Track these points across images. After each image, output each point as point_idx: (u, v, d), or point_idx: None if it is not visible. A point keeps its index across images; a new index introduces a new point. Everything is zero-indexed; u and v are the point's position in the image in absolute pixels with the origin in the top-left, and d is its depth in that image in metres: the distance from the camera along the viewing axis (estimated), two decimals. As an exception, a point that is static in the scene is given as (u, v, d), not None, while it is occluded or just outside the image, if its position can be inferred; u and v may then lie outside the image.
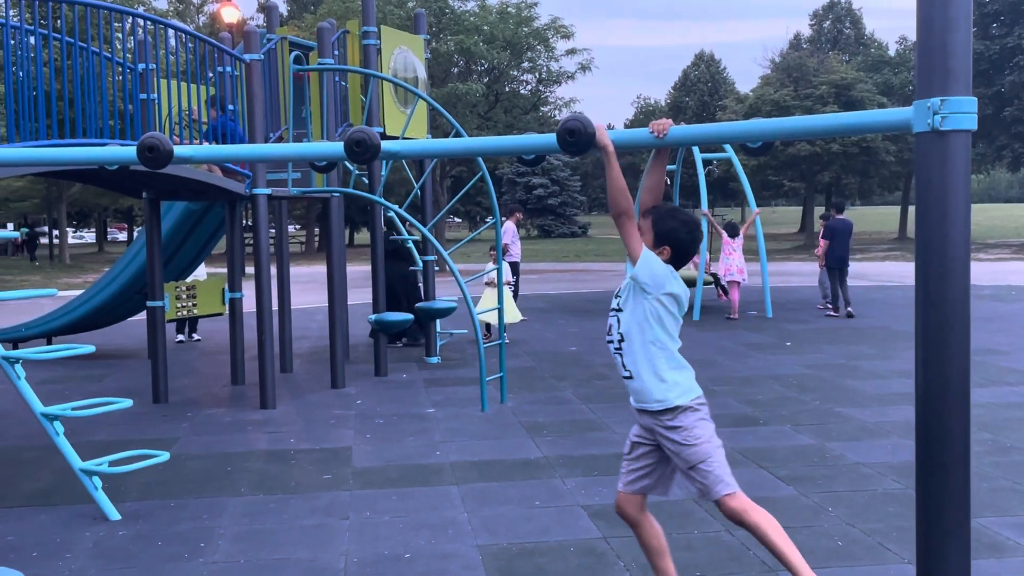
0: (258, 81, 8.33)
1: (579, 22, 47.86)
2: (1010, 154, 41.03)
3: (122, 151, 4.01)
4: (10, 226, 54.36)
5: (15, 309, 15.61)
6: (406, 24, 26.93)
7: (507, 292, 11.68)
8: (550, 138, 3.28)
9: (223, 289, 9.84)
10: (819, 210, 38.14)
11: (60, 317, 12.04)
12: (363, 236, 55.18)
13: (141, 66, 8.13)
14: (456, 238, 50.16)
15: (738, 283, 14.65)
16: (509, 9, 35.64)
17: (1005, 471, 5.99)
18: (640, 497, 3.73)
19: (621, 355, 3.64)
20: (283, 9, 51.37)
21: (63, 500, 5.71)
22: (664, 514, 5.21)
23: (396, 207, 9.26)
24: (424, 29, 11.23)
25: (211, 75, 8.99)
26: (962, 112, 2.45)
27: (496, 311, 9.11)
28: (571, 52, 38.45)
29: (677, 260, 3.64)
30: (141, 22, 8.53)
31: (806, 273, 23.67)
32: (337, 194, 9.43)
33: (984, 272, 23.28)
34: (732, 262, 14.65)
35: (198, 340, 13.30)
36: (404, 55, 10.37)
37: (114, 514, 5.35)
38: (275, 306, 9.31)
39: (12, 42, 6.65)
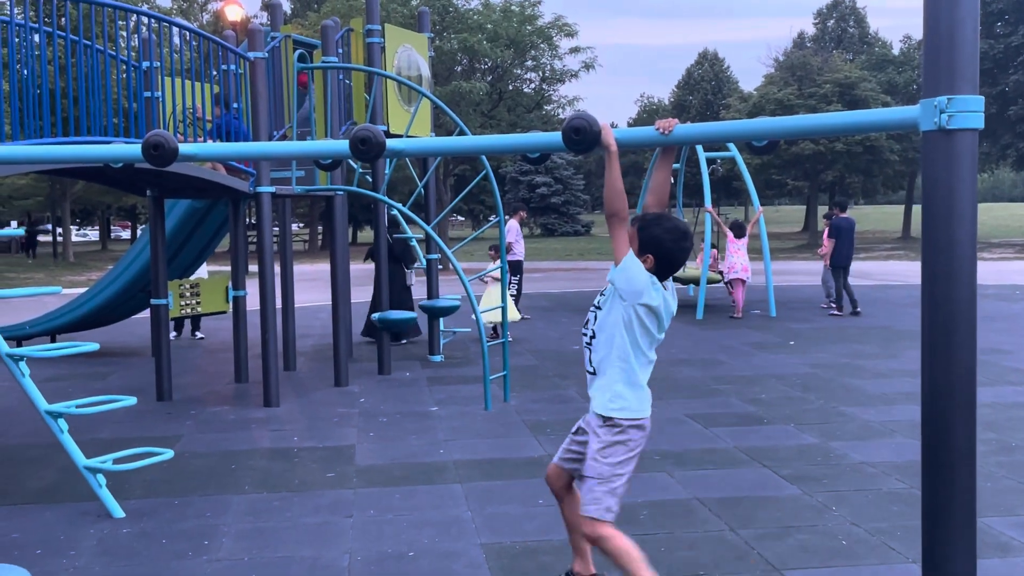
0: (262, 79, 8.32)
1: (582, 20, 48.08)
2: (1014, 153, 40.98)
3: (127, 149, 4.01)
4: (13, 223, 54.44)
5: (19, 307, 15.64)
6: (410, 22, 26.95)
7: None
8: (555, 136, 3.28)
9: (227, 287, 9.85)
10: (822, 209, 38.20)
11: (64, 315, 12.06)
12: (366, 235, 55.22)
13: (145, 64, 8.14)
14: (459, 236, 50.19)
15: (743, 281, 14.63)
16: (513, 7, 35.67)
17: (1010, 471, 5.98)
18: (568, 476, 3.84)
19: (590, 350, 3.68)
20: (287, 7, 51.37)
21: (67, 497, 5.72)
22: (667, 513, 5.22)
23: (400, 205, 9.26)
24: (428, 27, 11.24)
25: (215, 73, 8.99)
26: (969, 111, 2.44)
27: (499, 309, 9.10)
28: (575, 50, 38.50)
29: (661, 269, 3.55)
30: (145, 20, 8.52)
31: (810, 272, 23.64)
32: (341, 192, 9.43)
33: (988, 272, 23.24)
34: (736, 260, 14.63)
35: (201, 338, 13.31)
36: (408, 53, 10.37)
37: (118, 511, 5.36)
38: (279, 304, 9.31)
39: (17, 40, 6.66)
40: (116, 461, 5.54)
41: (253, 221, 17.00)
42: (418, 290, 12.36)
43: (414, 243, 10.84)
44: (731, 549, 4.67)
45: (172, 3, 46.00)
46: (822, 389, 8.81)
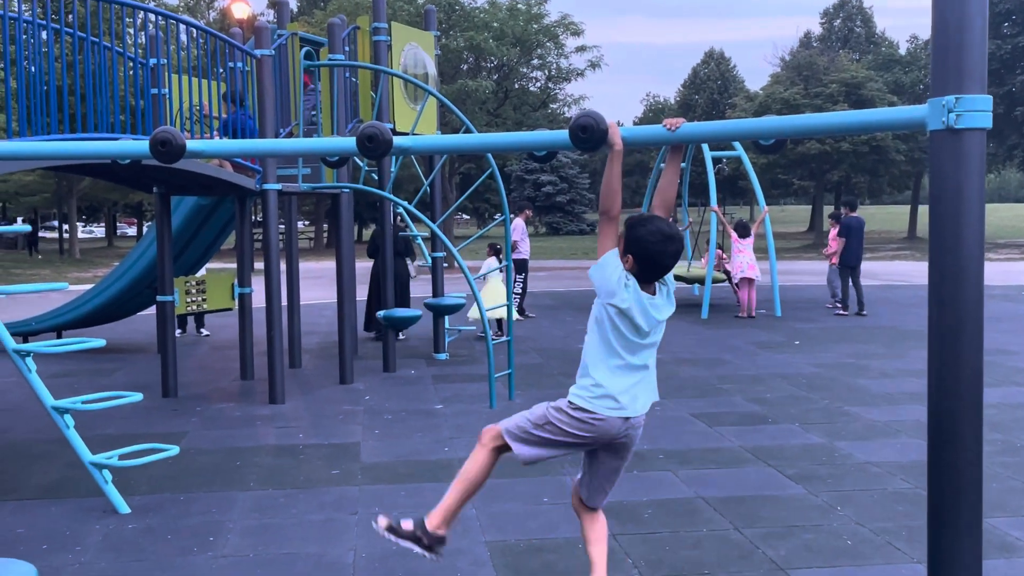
0: (269, 77, 8.33)
1: (589, 19, 48.05)
2: (1021, 154, 40.88)
3: (135, 145, 4.02)
4: (19, 220, 54.56)
5: (25, 303, 15.67)
6: (416, 20, 26.95)
7: (500, 287, 11.68)
8: (562, 134, 3.28)
9: (232, 284, 9.86)
10: (828, 209, 38.14)
11: (70, 311, 12.08)
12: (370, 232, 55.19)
13: (153, 61, 8.15)
14: (465, 235, 50.21)
15: (751, 281, 14.58)
16: (519, 6, 35.65)
17: (1015, 471, 5.97)
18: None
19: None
20: (293, 5, 51.42)
21: (73, 493, 5.74)
22: (671, 512, 5.22)
23: (406, 203, 9.27)
24: (434, 25, 11.23)
25: (221, 71, 9.00)
26: (977, 110, 2.44)
27: (504, 307, 9.11)
28: (581, 49, 38.44)
29: (644, 271, 3.42)
30: (152, 17, 8.55)
31: (815, 272, 23.61)
32: (347, 190, 9.44)
33: (994, 272, 23.17)
34: (742, 260, 14.60)
35: (207, 335, 13.33)
36: (414, 51, 10.37)
37: (124, 507, 5.37)
38: (284, 302, 9.32)
39: (24, 36, 6.68)
40: (122, 457, 5.56)
41: (259, 218, 17.01)
42: (418, 288, 12.37)
43: (419, 240, 10.84)
44: (735, 548, 4.66)
45: (179, 0, 46.04)
46: (827, 389, 8.80)
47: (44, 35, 7.05)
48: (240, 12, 22.88)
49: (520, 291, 14.47)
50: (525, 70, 39.42)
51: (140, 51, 8.67)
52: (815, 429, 7.18)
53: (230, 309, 10.08)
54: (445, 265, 11.63)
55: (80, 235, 49.93)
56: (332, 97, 9.04)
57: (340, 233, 9.86)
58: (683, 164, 15.94)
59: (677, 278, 3.71)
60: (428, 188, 10.32)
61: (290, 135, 9.21)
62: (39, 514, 5.37)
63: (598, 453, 3.63)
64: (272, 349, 8.46)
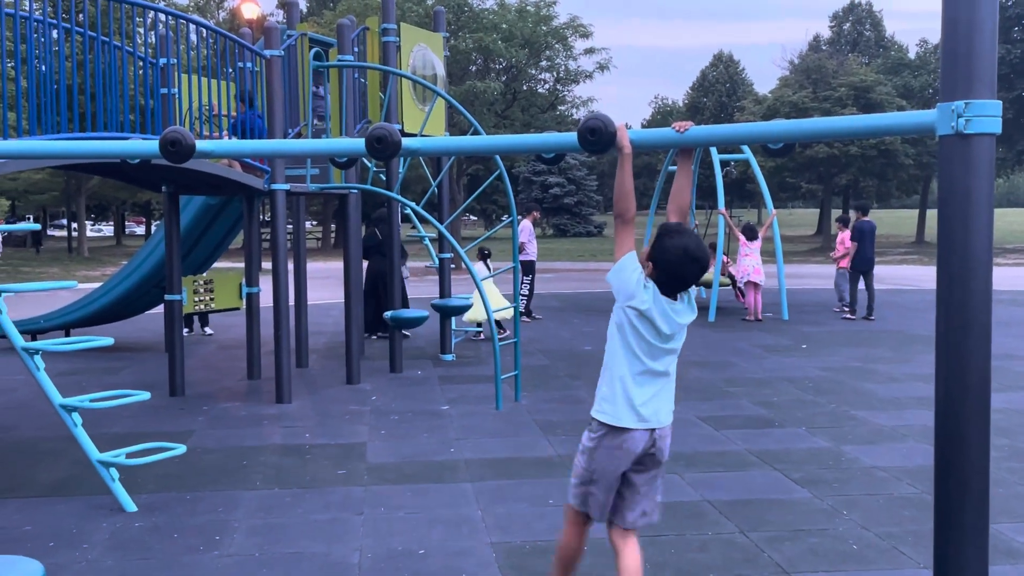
0: (278, 77, 8.36)
1: (597, 21, 47.94)
2: (1030, 158, 40.75)
3: (144, 145, 4.04)
4: (29, 218, 54.76)
5: (34, 301, 15.73)
6: (425, 21, 26.99)
7: (495, 288, 11.68)
8: (571, 137, 3.28)
9: (240, 284, 9.89)
10: (836, 212, 38.04)
11: (78, 309, 12.13)
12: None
13: (162, 61, 8.18)
14: (472, 236, 50.21)
15: (756, 284, 14.56)
16: (528, 7, 35.64)
17: (1022, 477, 5.95)
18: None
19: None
20: (303, 5, 51.51)
21: (80, 491, 5.76)
22: (677, 515, 5.21)
23: (413, 204, 9.28)
24: (443, 27, 11.25)
25: (231, 71, 9.03)
26: (986, 115, 2.44)
27: (511, 308, 9.11)
28: (589, 51, 38.44)
29: (663, 281, 3.38)
30: (162, 17, 8.57)
31: (823, 275, 23.55)
32: (355, 191, 9.45)
33: (1003, 277, 23.10)
34: (748, 263, 14.57)
35: (210, 334, 13.34)
36: (423, 52, 10.38)
37: (130, 506, 5.39)
38: (291, 301, 9.34)
39: (35, 35, 6.70)
40: (129, 455, 5.58)
41: (267, 218, 17.05)
42: (419, 288, 12.36)
43: (427, 242, 10.85)
44: (741, 551, 4.66)
45: (189, 0, 46.16)
46: (834, 393, 8.79)
47: (54, 34, 7.07)
48: (250, 12, 22.92)
49: (527, 293, 14.48)
50: (534, 72, 39.41)
51: (150, 51, 8.70)
52: (821, 433, 7.17)
53: (238, 308, 10.10)
54: (452, 266, 11.64)
55: (89, 233, 50.08)
56: (341, 98, 9.05)
57: (348, 233, 9.87)
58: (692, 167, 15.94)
59: None
60: (436, 189, 10.33)
61: (299, 135, 9.24)
62: (46, 512, 5.39)
63: (627, 474, 3.56)
64: (279, 349, 8.48)
